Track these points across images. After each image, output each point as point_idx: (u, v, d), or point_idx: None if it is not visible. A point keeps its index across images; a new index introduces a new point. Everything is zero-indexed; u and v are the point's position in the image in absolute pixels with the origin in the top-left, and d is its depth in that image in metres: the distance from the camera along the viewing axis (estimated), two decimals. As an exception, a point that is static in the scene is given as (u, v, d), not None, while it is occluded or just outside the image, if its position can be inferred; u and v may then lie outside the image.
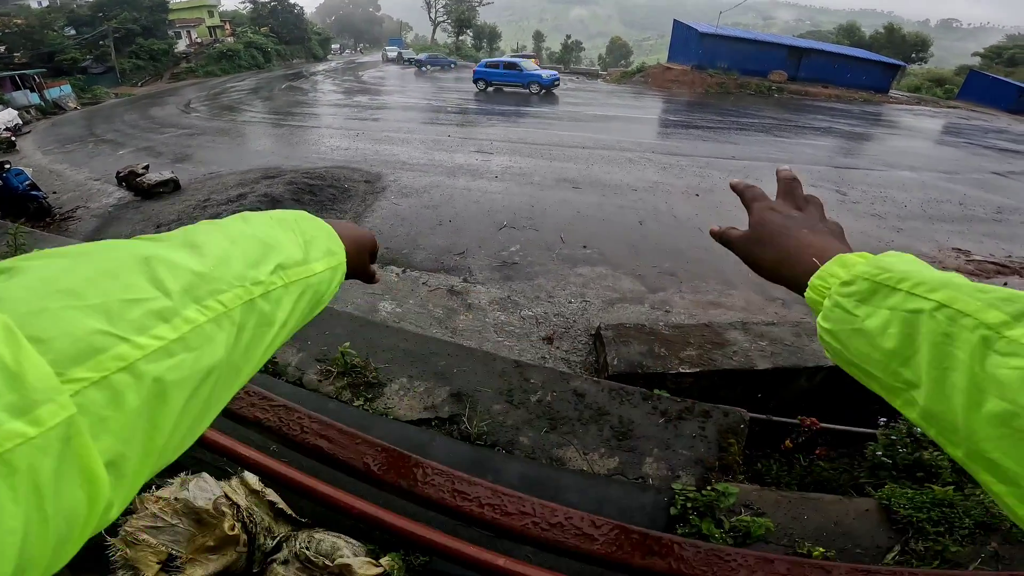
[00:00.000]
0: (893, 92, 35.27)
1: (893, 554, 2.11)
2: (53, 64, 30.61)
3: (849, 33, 54.48)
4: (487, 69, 24.79)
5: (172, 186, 8.48)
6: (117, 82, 33.51)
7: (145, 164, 9.06)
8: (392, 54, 47.73)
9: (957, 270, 4.33)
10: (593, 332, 4.51)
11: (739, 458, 2.79)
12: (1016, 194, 11.08)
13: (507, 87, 24.51)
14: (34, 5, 40.67)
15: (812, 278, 0.46)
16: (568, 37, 53.83)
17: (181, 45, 42.09)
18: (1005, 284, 6.05)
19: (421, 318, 4.76)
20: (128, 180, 8.69)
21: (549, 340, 4.54)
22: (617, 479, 2.57)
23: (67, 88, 27.65)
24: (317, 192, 7.60)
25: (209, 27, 46.61)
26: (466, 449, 2.60)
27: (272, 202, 7.00)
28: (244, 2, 52.44)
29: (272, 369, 3.16)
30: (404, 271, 5.53)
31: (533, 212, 7.18)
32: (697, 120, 18.08)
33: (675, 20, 37.00)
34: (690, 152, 12.05)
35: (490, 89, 24.61)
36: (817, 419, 3.39)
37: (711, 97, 26.61)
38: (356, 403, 2.89)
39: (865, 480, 2.84)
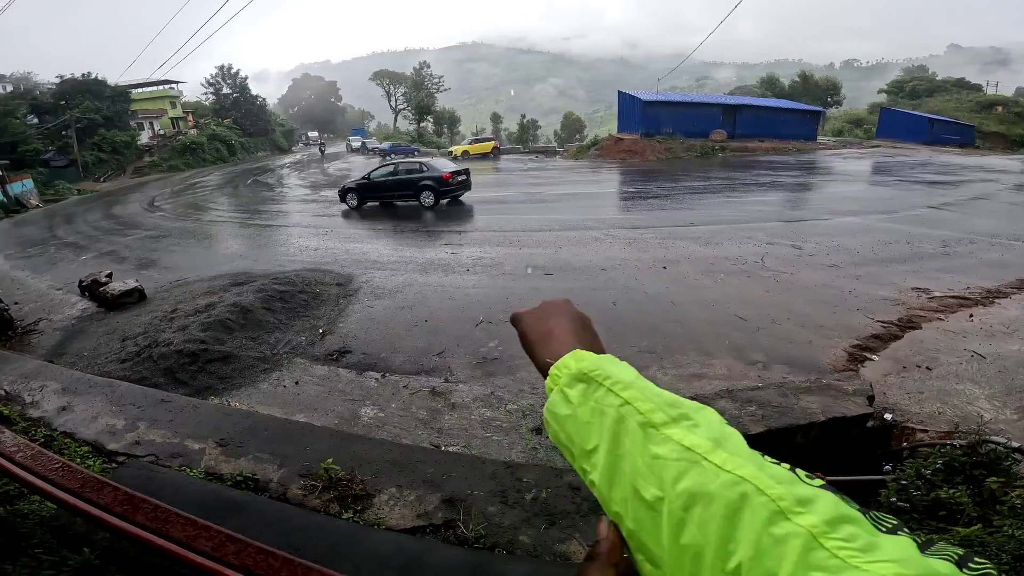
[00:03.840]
0: (820, 138, 37.68)
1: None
2: (16, 155, 29.28)
3: (771, 85, 58.07)
4: None
5: (137, 296, 8.25)
6: (79, 176, 32.79)
7: (109, 272, 8.86)
8: (356, 144, 48.84)
9: (920, 309, 4.52)
10: (581, 419, 4.47)
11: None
12: (955, 225, 11.72)
13: None
14: (-2, 90, 39.63)
15: (551, 368, 0.55)
16: (523, 117, 56.88)
17: (144, 137, 41.73)
18: (971, 316, 6.30)
19: (405, 421, 4.63)
20: (91, 290, 8.45)
21: (538, 431, 4.46)
22: (628, 566, 2.50)
23: (29, 183, 26.50)
24: (288, 299, 7.50)
25: (172, 118, 46.71)
26: (464, 554, 2.53)
27: (243, 311, 6.86)
28: (206, 93, 52.59)
29: (253, 486, 3.03)
30: (383, 376, 5.43)
31: (508, 304, 7.15)
32: (653, 189, 18.97)
33: (619, 91, 39.12)
34: (651, 223, 12.52)
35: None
36: (823, 473, 3.37)
37: (662, 163, 28.17)
38: (345, 515, 2.79)
39: None
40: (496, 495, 2.96)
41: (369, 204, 15.67)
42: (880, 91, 61.18)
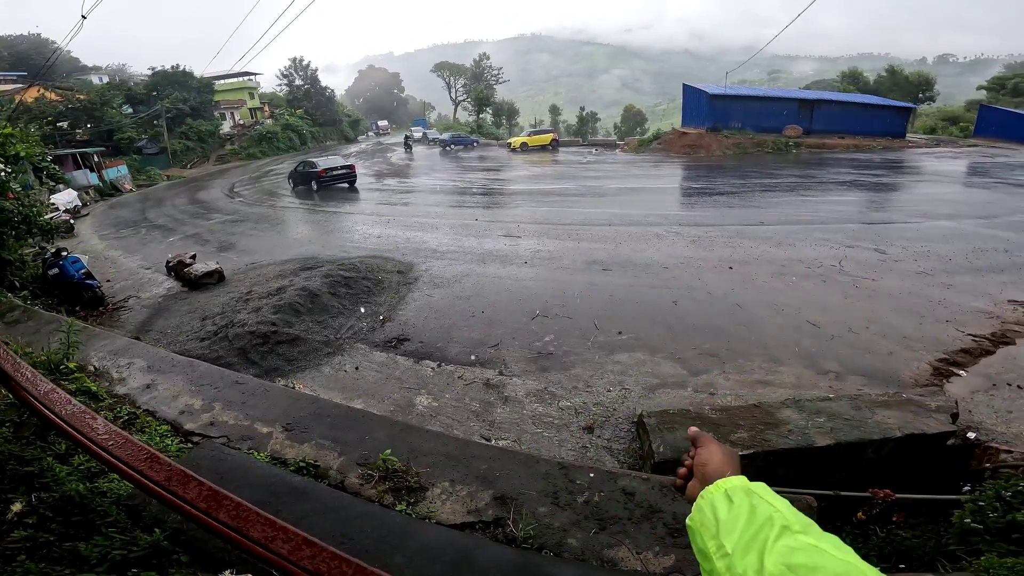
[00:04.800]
0: (910, 136, 35.04)
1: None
2: (112, 142, 31.39)
3: (853, 79, 54.52)
4: None
5: (217, 277, 8.81)
6: (168, 163, 35.11)
7: (192, 254, 9.52)
8: (418, 134, 49.97)
9: (1017, 324, 4.14)
10: (635, 420, 4.38)
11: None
12: (1064, 233, 10.57)
13: None
14: (95, 81, 42.40)
15: (721, 480, 0.81)
16: (583, 109, 55.93)
17: (225, 127, 44.14)
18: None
19: (458, 412, 4.69)
20: (177, 270, 9.11)
21: (590, 429, 4.41)
22: (676, 577, 2.42)
23: (124, 169, 28.45)
24: (352, 285, 7.78)
25: (250, 109, 49.33)
26: (511, 553, 2.53)
27: (310, 296, 7.17)
28: (280, 84, 54.88)
29: (314, 472, 3.15)
30: (439, 365, 5.53)
31: (565, 299, 7.16)
32: (719, 185, 18.24)
33: (684, 84, 37.92)
34: (718, 221, 12.06)
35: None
36: (892, 490, 3.25)
37: (729, 159, 27.00)
38: (398, 507, 2.84)
39: (955, 547, 2.71)
40: (548, 495, 2.94)
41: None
42: (980, 88, 55.71)
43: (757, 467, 3.58)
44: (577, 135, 53.27)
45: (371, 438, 3.43)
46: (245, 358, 5.74)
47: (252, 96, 51.17)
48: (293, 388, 4.93)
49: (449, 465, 3.17)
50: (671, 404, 4.59)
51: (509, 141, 40.17)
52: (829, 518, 3.21)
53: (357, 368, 5.55)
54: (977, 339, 5.82)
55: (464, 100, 67.09)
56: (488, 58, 66.86)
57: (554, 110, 77.59)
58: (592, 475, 3.12)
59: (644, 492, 3.00)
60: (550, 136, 38.73)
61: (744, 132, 30.62)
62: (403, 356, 5.77)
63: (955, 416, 4.14)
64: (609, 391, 4.93)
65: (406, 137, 42.13)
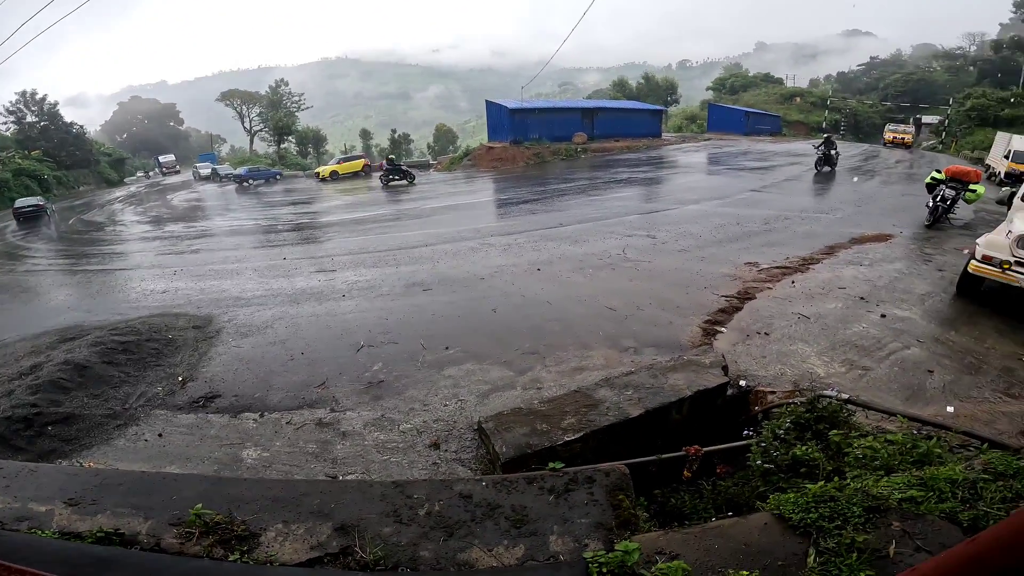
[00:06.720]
0: (665, 135, 42.19)
1: (811, 557, 2.08)
2: None
3: (622, 87, 63.55)
4: None
5: (-67, 370, 6.78)
6: None
7: None
8: (205, 171, 44.37)
9: (753, 281, 5.37)
10: (475, 427, 4.52)
11: (634, 510, 2.90)
12: (773, 204, 13.82)
13: None
14: None
15: None
16: (394, 131, 55.82)
17: (-74, 176, 34.54)
18: (793, 283, 7.52)
19: (293, 457, 4.36)
20: None
21: (436, 446, 4.46)
22: (529, 565, 2.60)
23: None
24: (134, 349, 6.59)
25: (-39, 153, 39.23)
26: (369, 578, 2.48)
27: (77, 368, 5.90)
28: (6, 122, 45.37)
29: (120, 539, 2.70)
30: (261, 415, 5.03)
31: (388, 325, 7.06)
32: (524, 194, 19.74)
33: (487, 100, 40.40)
34: (524, 228, 13.02)
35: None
36: (700, 445, 3.58)
37: (531, 168, 29.41)
38: (232, 557, 2.60)
39: (763, 488, 2.95)
40: (389, 515, 2.94)
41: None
42: (708, 88, 69.17)
43: (592, 448, 3.83)
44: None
45: (180, 497, 3.04)
46: (7, 445, 4.63)
47: (-37, 139, 40.23)
48: (80, 465, 4.12)
49: (278, 507, 2.98)
50: (505, 406, 4.76)
51: (317, 171, 38.19)
52: (665, 481, 3.58)
53: (160, 435, 4.78)
54: (728, 299, 7.02)
55: (261, 130, 62.00)
56: (286, 83, 63.02)
57: (365, 134, 75.67)
58: (427, 487, 3.21)
59: (480, 492, 3.14)
60: (362, 162, 37.76)
61: (542, 142, 33.65)
62: (216, 414, 5.12)
63: (725, 368, 4.75)
64: (446, 405, 5.01)
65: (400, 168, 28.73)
